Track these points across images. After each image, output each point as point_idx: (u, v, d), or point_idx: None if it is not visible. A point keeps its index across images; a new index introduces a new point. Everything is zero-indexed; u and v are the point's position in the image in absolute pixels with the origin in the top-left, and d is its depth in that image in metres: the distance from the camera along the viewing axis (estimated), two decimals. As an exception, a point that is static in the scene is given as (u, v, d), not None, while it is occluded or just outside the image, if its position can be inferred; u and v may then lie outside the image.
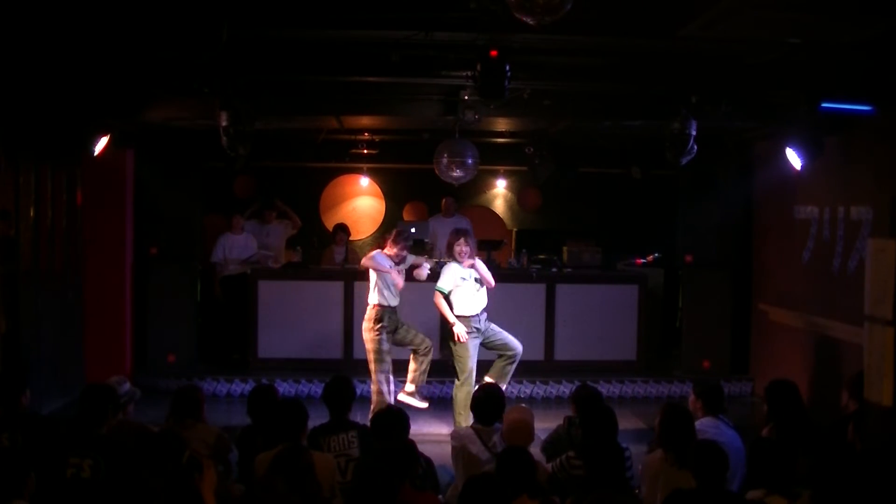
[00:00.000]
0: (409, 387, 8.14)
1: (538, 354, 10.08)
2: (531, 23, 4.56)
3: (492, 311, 8.20)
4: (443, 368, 9.73)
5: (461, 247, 7.83)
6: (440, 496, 5.31)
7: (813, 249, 8.84)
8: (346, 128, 10.59)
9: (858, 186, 7.94)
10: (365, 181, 12.82)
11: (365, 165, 12.48)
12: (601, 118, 8.82)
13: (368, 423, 5.58)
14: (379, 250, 8.07)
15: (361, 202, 13.01)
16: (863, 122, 7.40)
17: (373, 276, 7.96)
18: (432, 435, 7.84)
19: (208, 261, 10.72)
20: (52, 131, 8.13)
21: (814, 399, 8.33)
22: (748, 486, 4.62)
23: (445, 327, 9.86)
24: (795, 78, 6.89)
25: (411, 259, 8.32)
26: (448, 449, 5.77)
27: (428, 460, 5.34)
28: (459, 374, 7.83)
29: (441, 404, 9.42)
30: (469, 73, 6.47)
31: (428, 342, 8.14)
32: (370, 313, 7.93)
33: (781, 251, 9.61)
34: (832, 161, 8.06)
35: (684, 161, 7.86)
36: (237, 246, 10.75)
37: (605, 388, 9.56)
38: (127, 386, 5.69)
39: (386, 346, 7.94)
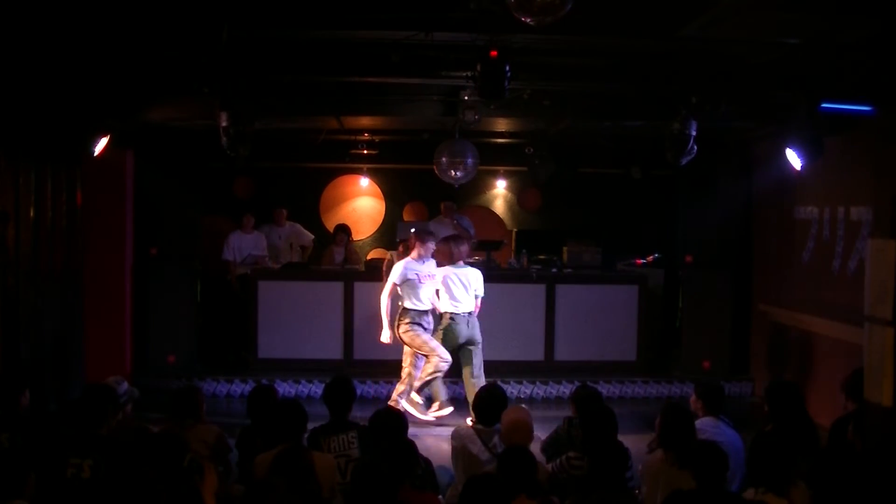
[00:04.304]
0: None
1: (538, 354, 10.08)
2: (531, 23, 4.56)
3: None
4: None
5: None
6: (440, 496, 5.31)
7: (813, 249, 8.83)
8: (346, 128, 10.59)
9: (858, 186, 7.93)
10: (365, 181, 12.83)
11: (365, 166, 12.49)
12: (601, 118, 8.82)
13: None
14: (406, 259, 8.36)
15: (361, 202, 13.01)
16: (863, 122, 7.39)
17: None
18: (432, 435, 7.84)
19: (221, 259, 10.73)
20: (52, 131, 8.11)
21: (814, 399, 8.32)
22: (747, 484, 4.62)
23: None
24: (795, 78, 6.89)
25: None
26: (448, 449, 5.77)
27: (427, 460, 5.34)
28: None
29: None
30: (469, 74, 6.47)
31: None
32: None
33: (781, 251, 9.61)
34: (832, 161, 8.05)
35: (684, 161, 7.86)
36: (247, 245, 10.77)
37: (605, 388, 9.56)
38: (125, 386, 5.69)
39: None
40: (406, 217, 12.78)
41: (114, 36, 6.00)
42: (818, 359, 8.68)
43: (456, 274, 8.33)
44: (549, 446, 5.82)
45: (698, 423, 5.35)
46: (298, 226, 11.58)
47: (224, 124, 7.34)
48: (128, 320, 9.94)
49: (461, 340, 8.27)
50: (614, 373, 10.03)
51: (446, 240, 8.56)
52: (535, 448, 5.27)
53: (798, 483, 4.24)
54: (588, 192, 12.36)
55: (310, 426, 5.24)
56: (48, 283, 8.33)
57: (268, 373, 9.71)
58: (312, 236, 11.66)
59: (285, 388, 9.47)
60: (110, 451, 4.70)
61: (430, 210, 12.47)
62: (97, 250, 9.43)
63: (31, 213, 7.96)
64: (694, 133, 7.65)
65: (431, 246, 8.32)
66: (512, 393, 9.49)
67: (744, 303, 10.41)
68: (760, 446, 4.47)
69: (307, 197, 12.72)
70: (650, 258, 11.27)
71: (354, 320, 9.96)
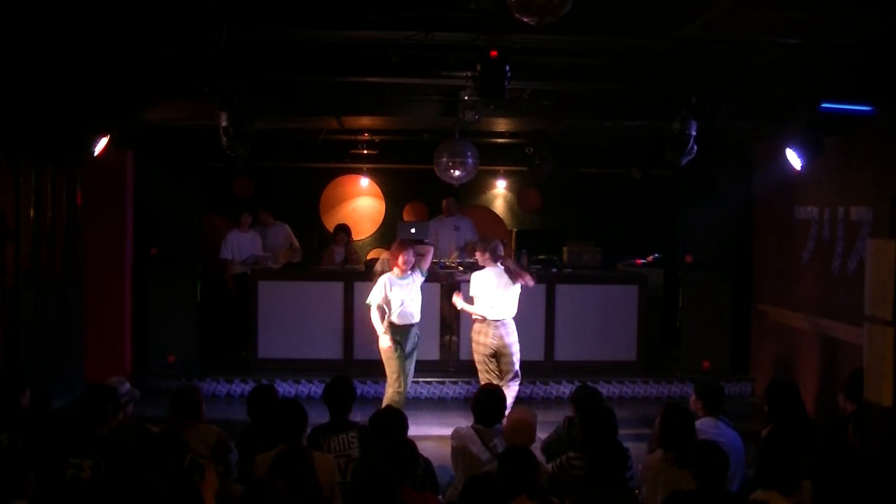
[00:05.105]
0: None
1: (538, 354, 10.07)
2: (531, 23, 4.56)
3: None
4: (442, 368, 9.78)
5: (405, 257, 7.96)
6: (440, 496, 5.31)
7: (813, 250, 8.84)
8: (346, 128, 10.60)
9: (858, 186, 7.94)
10: (365, 181, 12.83)
11: (365, 166, 12.50)
12: (601, 118, 8.81)
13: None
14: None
15: (361, 202, 13.01)
16: (863, 122, 7.39)
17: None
18: (432, 435, 7.84)
19: (219, 258, 10.74)
20: (52, 131, 8.12)
21: (814, 399, 8.33)
22: (754, 485, 4.61)
23: (443, 327, 9.93)
24: (795, 78, 6.89)
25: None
26: (448, 449, 5.78)
27: (427, 460, 5.33)
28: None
29: (440, 404, 9.46)
30: (469, 74, 6.47)
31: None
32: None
33: (781, 251, 9.61)
34: (832, 161, 8.06)
35: (684, 161, 7.86)
36: (244, 244, 10.78)
37: (605, 388, 9.56)
38: (127, 386, 5.69)
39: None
40: (406, 217, 12.78)
41: (113, 36, 5.99)
42: (818, 359, 8.68)
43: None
44: (549, 446, 5.82)
45: (698, 423, 5.35)
46: (288, 227, 11.56)
47: (224, 124, 7.34)
48: (128, 320, 9.94)
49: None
50: (614, 373, 10.03)
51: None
52: (535, 448, 5.27)
53: (804, 482, 4.24)
54: (588, 192, 12.37)
55: (310, 426, 5.24)
56: (48, 283, 8.34)
57: (268, 373, 9.71)
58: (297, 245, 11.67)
59: (285, 388, 9.47)
60: (110, 451, 4.70)
61: (430, 210, 12.47)
62: (97, 250, 9.44)
63: (31, 213, 7.96)
64: (694, 133, 7.65)
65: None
66: (512, 393, 9.47)
67: (744, 303, 10.41)
68: (769, 447, 4.47)
69: (307, 197, 12.73)
70: (650, 258, 11.27)
71: (354, 320, 9.96)
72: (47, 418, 5.68)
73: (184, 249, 10.20)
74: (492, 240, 8.33)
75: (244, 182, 12.28)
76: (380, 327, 7.98)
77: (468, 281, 8.25)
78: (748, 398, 10.00)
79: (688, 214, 10.57)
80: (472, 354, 8.16)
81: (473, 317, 8.09)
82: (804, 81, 6.93)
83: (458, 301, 8.27)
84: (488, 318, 7.95)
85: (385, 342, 7.95)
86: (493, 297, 7.96)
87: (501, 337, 7.95)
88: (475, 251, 8.37)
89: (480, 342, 7.98)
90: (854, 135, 7.86)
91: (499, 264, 8.05)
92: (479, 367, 8.06)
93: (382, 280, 8.01)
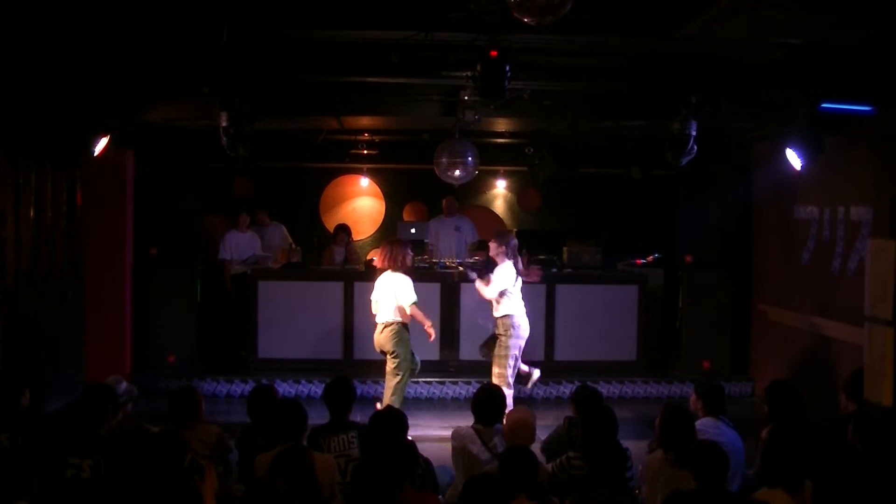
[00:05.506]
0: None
1: (538, 354, 10.07)
2: (531, 23, 4.56)
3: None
4: (442, 368, 9.77)
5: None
6: (440, 496, 5.31)
7: (813, 249, 8.84)
8: (346, 128, 10.60)
9: (858, 186, 7.94)
10: (365, 181, 12.84)
11: (365, 166, 12.50)
12: (601, 118, 8.82)
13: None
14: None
15: (361, 202, 13.01)
16: (863, 122, 7.40)
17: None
18: (432, 435, 7.84)
19: (217, 259, 10.74)
20: (52, 131, 8.13)
21: (814, 399, 8.30)
22: (759, 483, 4.60)
23: (444, 327, 9.93)
24: (795, 78, 6.89)
25: None
26: (448, 449, 5.78)
27: (427, 460, 5.34)
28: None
29: (440, 404, 9.45)
30: (469, 74, 6.47)
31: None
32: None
33: (781, 251, 9.61)
34: (832, 161, 8.06)
35: (684, 161, 7.86)
36: (242, 244, 10.78)
37: (605, 388, 9.56)
38: (124, 385, 5.69)
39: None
40: (406, 217, 12.79)
41: (114, 36, 6.00)
42: (818, 359, 8.68)
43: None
44: (549, 446, 5.82)
45: (698, 423, 5.35)
46: (284, 227, 11.56)
47: (224, 124, 7.34)
48: (128, 320, 9.95)
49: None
50: (614, 373, 10.03)
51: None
52: (535, 448, 5.27)
53: (806, 481, 4.24)
54: (588, 192, 12.37)
55: (310, 426, 5.24)
56: (48, 283, 8.34)
57: (268, 373, 9.70)
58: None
59: (285, 388, 9.46)
60: (110, 451, 4.70)
61: (430, 210, 12.47)
62: (97, 250, 9.45)
63: (31, 213, 7.97)
64: (694, 133, 7.65)
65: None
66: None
67: (744, 303, 10.41)
68: (773, 445, 4.46)
69: (307, 197, 12.73)
70: (650, 258, 11.26)
71: (354, 320, 9.96)
72: (47, 418, 5.67)
73: (184, 249, 10.21)
74: (508, 234, 8.33)
75: (244, 182, 12.28)
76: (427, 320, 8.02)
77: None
78: (748, 398, 10.00)
79: (688, 214, 10.57)
80: (502, 349, 7.99)
81: (507, 312, 7.94)
82: (804, 81, 6.93)
83: (476, 281, 8.19)
84: (517, 313, 7.94)
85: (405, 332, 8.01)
86: (517, 290, 8.00)
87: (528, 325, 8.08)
88: (488, 245, 8.29)
89: (525, 328, 8.00)
90: (854, 135, 7.86)
91: (511, 259, 7.97)
92: (509, 360, 7.95)
93: (407, 279, 7.95)
